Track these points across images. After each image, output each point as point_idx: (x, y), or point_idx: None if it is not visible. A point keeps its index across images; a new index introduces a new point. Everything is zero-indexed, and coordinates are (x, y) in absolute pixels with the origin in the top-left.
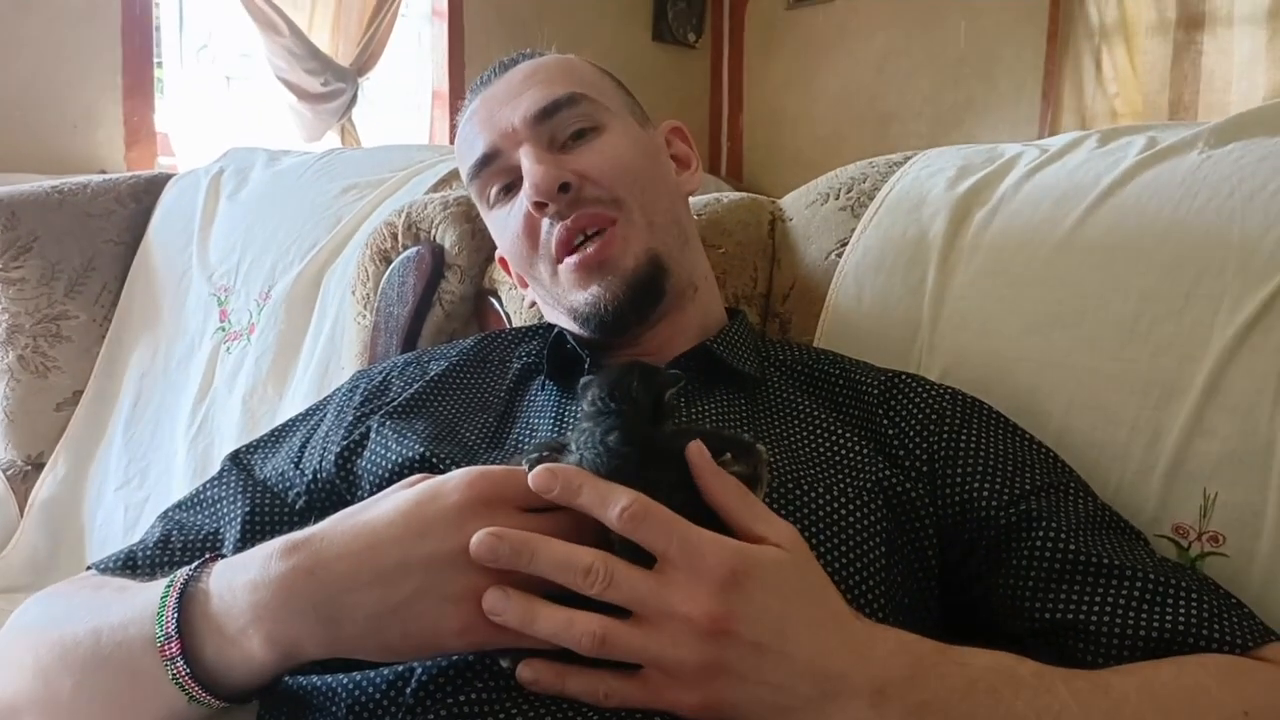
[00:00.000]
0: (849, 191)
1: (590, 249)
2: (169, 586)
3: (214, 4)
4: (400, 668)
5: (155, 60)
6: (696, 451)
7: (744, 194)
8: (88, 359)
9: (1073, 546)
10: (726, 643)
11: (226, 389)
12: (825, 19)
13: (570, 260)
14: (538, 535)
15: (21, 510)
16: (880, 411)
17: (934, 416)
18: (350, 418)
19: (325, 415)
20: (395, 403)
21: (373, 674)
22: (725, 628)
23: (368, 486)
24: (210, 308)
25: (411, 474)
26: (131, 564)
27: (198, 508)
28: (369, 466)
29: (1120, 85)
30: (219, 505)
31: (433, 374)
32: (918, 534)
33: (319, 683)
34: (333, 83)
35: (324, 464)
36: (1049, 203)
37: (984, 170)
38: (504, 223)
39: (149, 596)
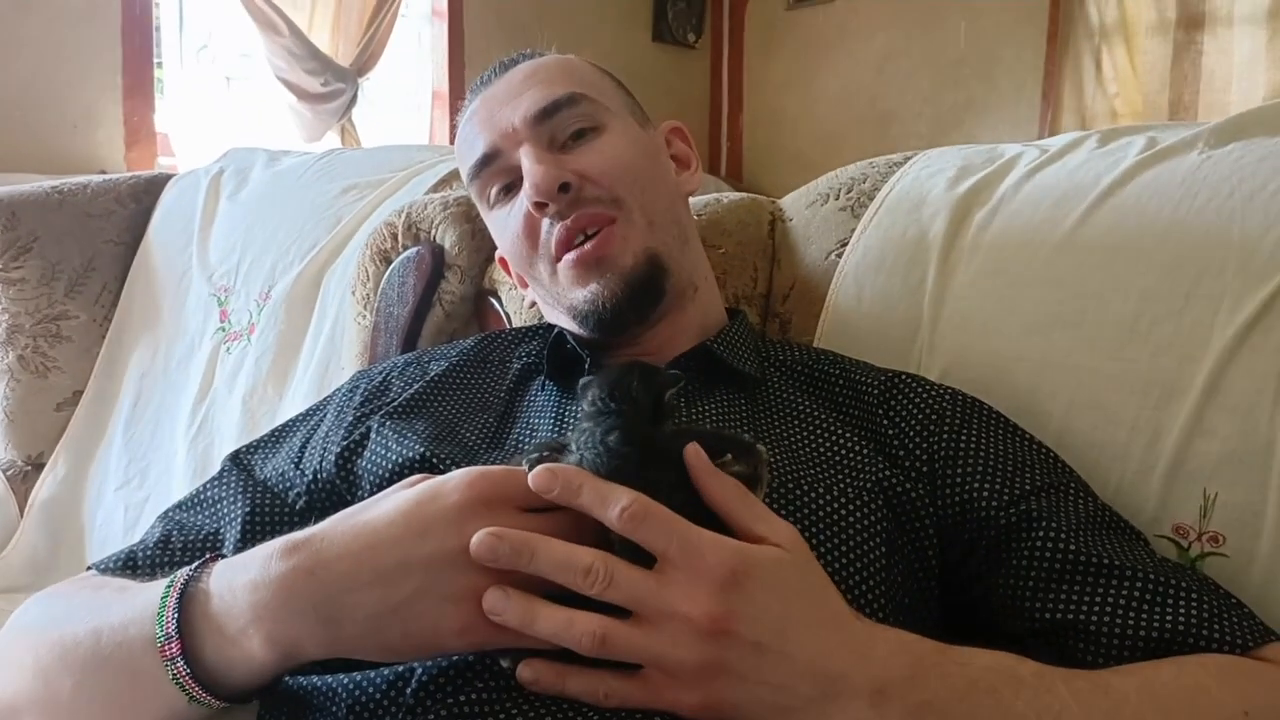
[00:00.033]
0: (849, 192)
1: (588, 246)
2: (169, 587)
3: (214, 4)
4: (400, 668)
5: (155, 60)
6: (693, 454)
7: (744, 194)
8: (88, 359)
9: (1073, 547)
10: (726, 643)
11: (226, 389)
12: (825, 19)
13: (569, 257)
14: (538, 535)
15: (21, 510)
16: (880, 412)
17: (934, 417)
18: (350, 418)
19: (325, 415)
20: (395, 403)
21: (373, 674)
22: (725, 628)
23: (368, 487)
24: (210, 308)
25: (411, 474)
26: (132, 564)
27: (198, 508)
28: (369, 467)
29: (1120, 85)
30: (219, 505)
31: (433, 374)
32: (918, 534)
33: (319, 683)
34: (333, 83)
35: (324, 464)
36: (1049, 203)
37: (984, 170)
38: (504, 223)
39: (149, 597)
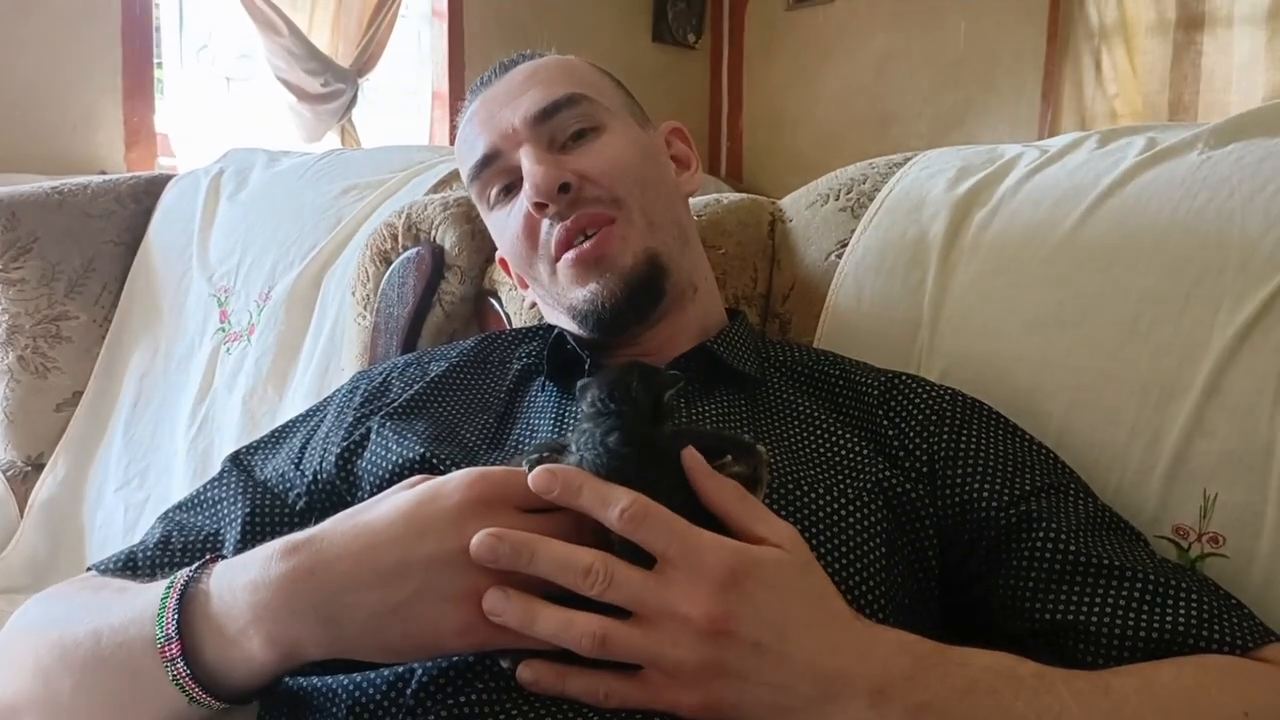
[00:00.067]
0: (849, 192)
1: (588, 245)
2: (169, 587)
3: (214, 4)
4: (400, 668)
5: (155, 61)
6: (690, 457)
7: (744, 195)
8: (88, 359)
9: (1073, 547)
10: (726, 643)
11: (226, 390)
12: (825, 20)
13: (568, 256)
14: (537, 536)
15: (21, 511)
16: (880, 412)
17: (934, 417)
18: (350, 418)
19: (325, 416)
20: (395, 403)
21: (373, 675)
22: (725, 628)
23: (368, 487)
24: (210, 308)
25: (412, 475)
26: (132, 565)
27: (198, 508)
28: (369, 467)
29: (1120, 86)
30: (219, 506)
31: (433, 375)
32: (918, 534)
33: (319, 683)
34: (333, 83)
35: (324, 465)
36: (1049, 203)
37: (984, 171)
38: (504, 223)
39: (149, 598)
